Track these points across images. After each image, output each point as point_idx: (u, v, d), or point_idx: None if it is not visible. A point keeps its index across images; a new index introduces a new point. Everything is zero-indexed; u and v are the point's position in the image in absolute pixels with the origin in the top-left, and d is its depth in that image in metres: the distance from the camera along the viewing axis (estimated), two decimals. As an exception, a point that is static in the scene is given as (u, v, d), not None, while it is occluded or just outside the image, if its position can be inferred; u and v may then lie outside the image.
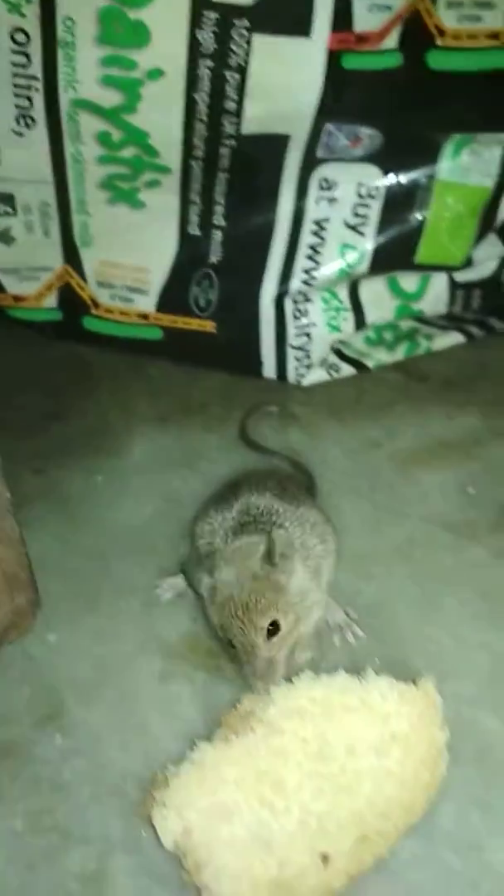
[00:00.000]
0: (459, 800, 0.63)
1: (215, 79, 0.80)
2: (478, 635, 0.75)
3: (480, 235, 0.93)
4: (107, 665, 0.74)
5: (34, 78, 0.83)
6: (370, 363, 1.04)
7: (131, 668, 0.74)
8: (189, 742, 0.67)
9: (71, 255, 0.97)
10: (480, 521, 0.86)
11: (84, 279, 0.98)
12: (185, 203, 0.91)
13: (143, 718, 0.70)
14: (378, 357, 1.04)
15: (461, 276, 1.00)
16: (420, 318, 1.06)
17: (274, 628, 0.66)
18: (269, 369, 1.01)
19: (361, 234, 0.92)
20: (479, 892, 0.59)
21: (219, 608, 0.67)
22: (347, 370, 1.04)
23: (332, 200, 0.90)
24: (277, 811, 0.58)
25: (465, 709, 0.66)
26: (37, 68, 0.82)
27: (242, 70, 0.79)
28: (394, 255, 0.94)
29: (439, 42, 0.82)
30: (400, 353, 1.05)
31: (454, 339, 1.07)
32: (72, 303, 1.00)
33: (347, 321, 0.98)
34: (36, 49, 0.80)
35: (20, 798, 0.65)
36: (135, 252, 0.95)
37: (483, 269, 1.00)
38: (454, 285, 1.00)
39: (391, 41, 0.81)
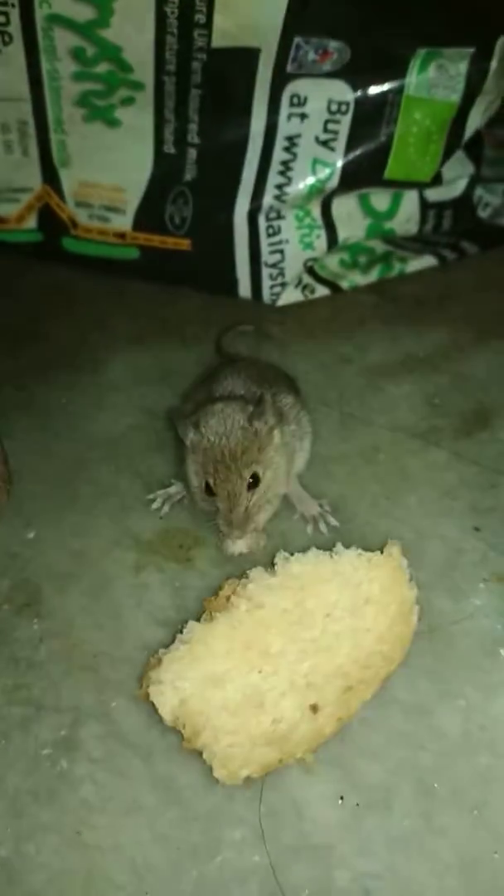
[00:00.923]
0: (411, 670, 0.67)
1: (184, -9, 0.81)
2: (436, 529, 0.78)
3: (448, 151, 0.95)
4: (83, 558, 0.78)
5: (9, -7, 0.84)
6: (345, 284, 1.06)
7: (106, 561, 0.77)
8: (159, 625, 0.71)
9: (50, 174, 0.99)
10: (445, 428, 0.89)
11: (63, 199, 1.00)
12: (159, 121, 0.93)
13: (116, 604, 0.74)
14: (352, 278, 1.07)
15: (432, 196, 1.02)
16: (394, 241, 1.08)
17: (254, 480, 0.70)
18: (244, 288, 1.03)
19: (332, 149, 0.94)
20: (427, 751, 0.63)
21: (203, 454, 0.71)
22: (322, 291, 1.06)
23: (303, 116, 0.92)
24: (266, 674, 0.62)
25: (421, 593, 0.70)
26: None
27: (211, -19, 0.81)
28: (364, 171, 0.95)
29: (404, -47, 0.83)
30: (374, 275, 1.08)
31: (427, 261, 1.09)
32: (51, 223, 1.02)
33: (320, 238, 1.00)
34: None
35: (-3, 676, 0.69)
36: (111, 171, 0.97)
37: (453, 188, 1.03)
38: (425, 205, 1.02)
39: (356, -46, 0.83)
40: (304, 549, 0.71)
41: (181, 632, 0.66)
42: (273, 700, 0.61)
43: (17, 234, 1.04)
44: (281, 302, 1.04)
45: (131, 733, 0.65)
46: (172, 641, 0.66)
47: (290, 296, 1.04)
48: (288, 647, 0.63)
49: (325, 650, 0.63)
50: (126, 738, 0.65)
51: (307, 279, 1.05)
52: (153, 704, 0.63)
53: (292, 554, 0.70)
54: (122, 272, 1.04)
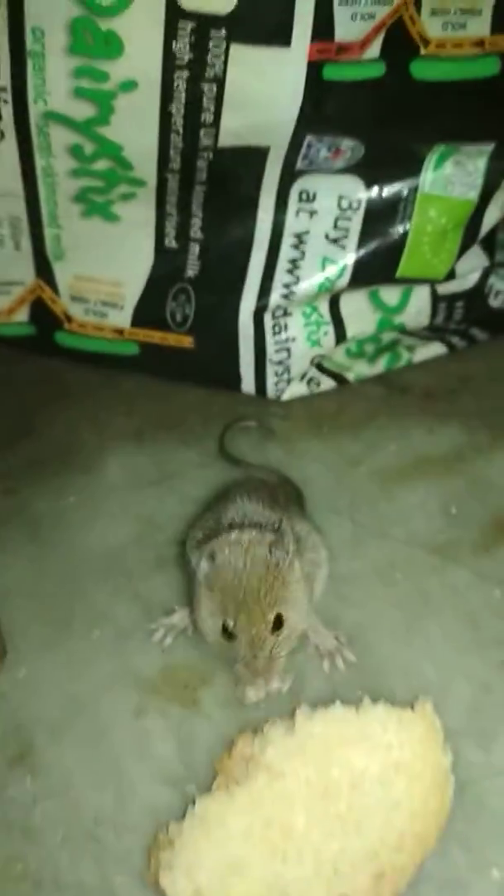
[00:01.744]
0: (441, 840, 0.61)
1: (191, 90, 0.77)
2: (461, 663, 0.73)
3: (464, 248, 0.91)
4: (78, 701, 0.72)
5: (2, 90, 0.79)
6: (351, 376, 1.02)
7: (104, 703, 0.71)
8: (165, 783, 0.65)
9: (43, 268, 0.94)
10: (463, 541, 0.84)
11: (57, 293, 0.95)
12: (160, 216, 0.88)
13: (117, 757, 0.68)
14: (359, 370, 1.02)
15: (443, 289, 0.98)
16: (402, 330, 1.04)
17: (278, 622, 0.64)
18: (248, 384, 0.98)
19: (342, 247, 0.89)
20: (464, 938, 0.57)
21: (220, 592, 0.65)
22: (328, 383, 1.02)
23: (312, 213, 0.87)
24: (290, 859, 0.56)
25: (449, 741, 0.64)
26: (5, 80, 0.78)
27: (220, 81, 0.76)
28: (375, 269, 0.91)
29: (423, 51, 0.79)
30: (381, 366, 1.03)
31: (436, 349, 1.05)
32: (44, 317, 0.98)
33: (328, 335, 0.95)
34: (4, 60, 0.77)
35: (-10, 844, 0.62)
36: (109, 266, 0.92)
37: (466, 281, 0.98)
38: (436, 298, 0.98)
39: (374, 50, 0.79)
40: (321, 690, 0.66)
41: (192, 801, 0.60)
42: (298, 890, 0.55)
43: (9, 327, 0.99)
44: (286, 397, 0.99)
45: (137, 918, 0.59)
46: (181, 805, 0.61)
47: (296, 390, 1.00)
48: (313, 825, 0.57)
49: (353, 829, 0.57)
50: (132, 924, 0.59)
51: (313, 372, 1.00)
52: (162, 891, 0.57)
53: (312, 702, 0.64)
54: (120, 367, 0.99)
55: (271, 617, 0.64)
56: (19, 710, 0.71)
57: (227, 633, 0.65)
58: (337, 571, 0.80)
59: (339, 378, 1.02)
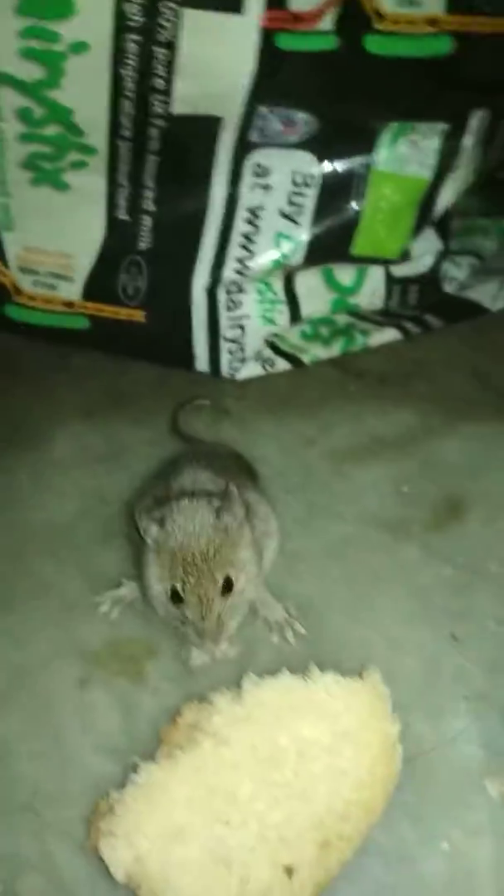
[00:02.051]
0: (390, 808, 0.60)
1: (143, 54, 0.75)
2: (410, 636, 0.72)
3: (418, 228, 0.91)
4: (21, 671, 0.70)
5: None
6: (306, 358, 1.01)
7: (46, 675, 0.70)
8: (108, 755, 0.64)
9: (-9, 238, 0.92)
10: (415, 519, 0.84)
11: (6, 265, 0.92)
12: (112, 186, 0.86)
13: (58, 729, 0.66)
14: (314, 352, 1.02)
15: (398, 271, 0.97)
16: (356, 314, 1.03)
17: (227, 584, 0.63)
18: (201, 362, 0.97)
19: (297, 223, 0.88)
20: (410, 907, 0.56)
21: (169, 556, 0.64)
22: (283, 365, 1.00)
23: (266, 188, 0.86)
24: (234, 826, 0.55)
25: (397, 714, 0.64)
26: (-50, 40, 0.76)
27: (172, 46, 0.75)
28: (330, 247, 0.90)
29: (378, 26, 0.79)
30: (336, 349, 1.02)
31: (391, 335, 1.04)
32: (-7, 289, 0.95)
33: (282, 314, 0.94)
34: None
35: None
36: (59, 237, 0.90)
37: (420, 264, 0.98)
38: (391, 280, 0.98)
39: (328, 23, 0.78)
40: (271, 663, 0.64)
41: (135, 769, 0.59)
42: (241, 858, 0.54)
43: (-45, 299, 0.96)
44: (240, 376, 0.98)
45: (78, 887, 0.57)
46: (124, 778, 0.59)
47: (250, 370, 0.98)
48: (258, 793, 0.56)
49: (298, 796, 0.56)
50: (73, 894, 0.57)
51: (267, 353, 0.99)
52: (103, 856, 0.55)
53: (260, 673, 0.63)
54: (72, 342, 0.97)
55: (220, 578, 0.63)
56: (-42, 681, 0.69)
57: (176, 597, 0.63)
58: (289, 548, 0.80)
59: (294, 360, 1.01)
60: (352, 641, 0.72)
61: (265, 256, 0.90)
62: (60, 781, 0.62)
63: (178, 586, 0.63)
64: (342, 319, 1.03)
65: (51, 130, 0.82)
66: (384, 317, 1.04)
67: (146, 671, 0.70)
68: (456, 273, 1.05)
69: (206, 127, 0.82)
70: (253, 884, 0.54)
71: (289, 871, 0.54)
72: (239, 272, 0.90)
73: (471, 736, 0.65)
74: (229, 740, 0.58)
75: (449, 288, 1.04)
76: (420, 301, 1.02)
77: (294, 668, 0.65)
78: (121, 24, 0.74)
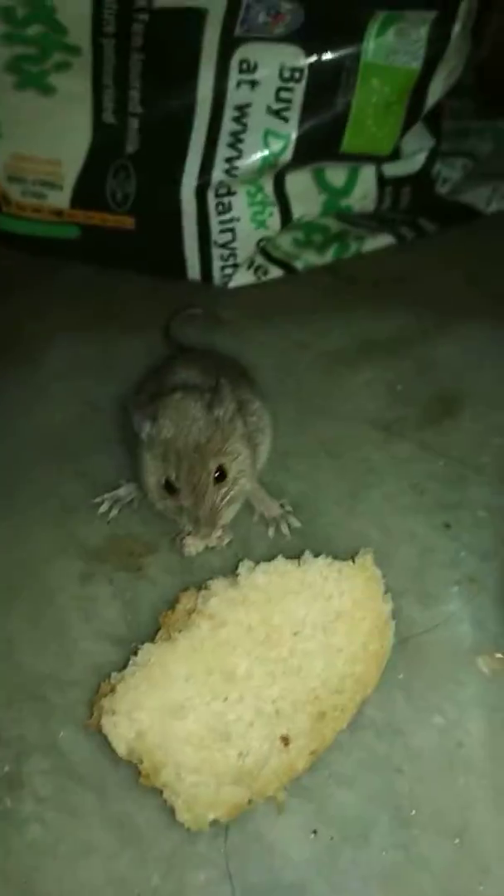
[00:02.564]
0: (384, 685, 0.62)
1: None
2: (404, 526, 0.74)
3: (408, 122, 0.89)
4: (23, 569, 0.71)
5: None
6: (299, 265, 1.01)
7: (49, 571, 0.71)
8: (110, 643, 0.65)
9: (-23, 147, 0.91)
10: (409, 417, 0.84)
11: (-7, 174, 0.92)
12: (98, 88, 0.85)
13: (62, 620, 0.68)
14: (307, 259, 1.01)
15: (390, 171, 0.96)
16: (349, 219, 1.02)
17: (220, 474, 0.65)
18: (193, 270, 0.96)
19: (285, 119, 0.87)
20: (403, 775, 0.58)
21: (162, 448, 0.65)
22: (275, 272, 1.00)
23: (253, 84, 0.85)
24: (231, 701, 0.57)
25: (391, 600, 0.65)
26: None
27: None
28: (319, 143, 0.89)
29: None
30: (329, 255, 1.02)
31: (385, 240, 1.04)
32: (-19, 200, 0.94)
33: (273, 216, 0.94)
34: None
35: None
36: (47, 143, 0.89)
37: (412, 163, 0.97)
38: (383, 181, 0.97)
39: None
40: (267, 557, 0.66)
41: (135, 652, 0.60)
42: (239, 731, 0.56)
43: None
44: (233, 284, 0.98)
45: (81, 766, 0.59)
46: (125, 663, 0.61)
47: (243, 278, 0.98)
48: (254, 670, 0.58)
49: (294, 672, 0.58)
50: (76, 773, 0.59)
51: (260, 260, 0.98)
52: (106, 735, 0.57)
53: (256, 563, 0.65)
54: (62, 253, 0.96)
55: (213, 467, 0.64)
56: (-39, 578, 0.70)
57: (171, 487, 0.65)
58: (283, 447, 0.80)
59: (287, 267, 1.00)
60: (346, 532, 0.73)
61: (254, 155, 0.89)
62: (64, 669, 0.64)
63: (172, 476, 0.64)
64: (335, 226, 1.02)
65: (34, 30, 0.81)
66: (378, 222, 1.03)
67: (145, 565, 0.71)
68: (450, 174, 1.03)
69: (191, 21, 0.81)
70: (251, 756, 0.56)
71: (285, 740, 0.56)
72: (228, 172, 0.90)
73: (462, 617, 0.67)
74: (226, 621, 0.60)
75: (443, 190, 1.03)
76: (413, 203, 1.01)
77: (289, 557, 0.66)
78: None
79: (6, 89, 0.85)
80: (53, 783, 0.58)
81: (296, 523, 0.73)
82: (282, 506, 0.74)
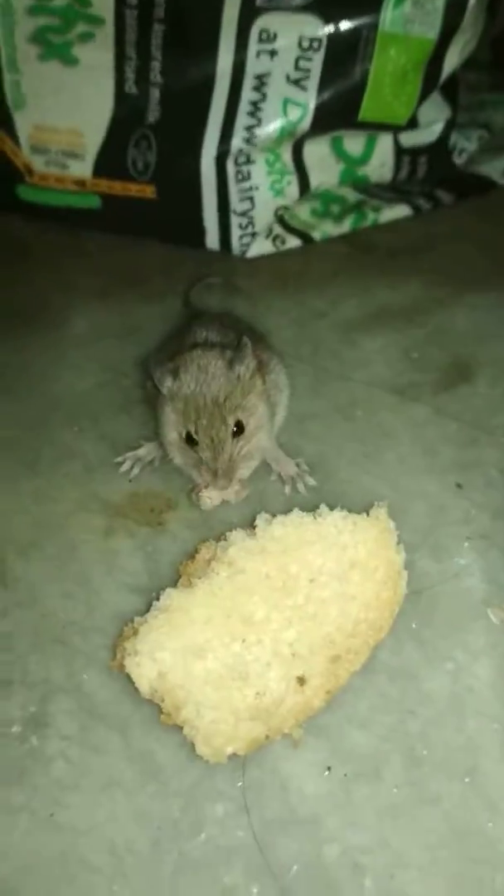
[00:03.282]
0: (397, 634, 0.64)
1: None
2: (417, 485, 0.75)
3: (425, 92, 0.91)
4: (47, 523, 0.74)
5: None
6: (316, 235, 1.02)
7: (72, 526, 0.73)
8: (132, 592, 0.68)
9: (3, 118, 0.92)
10: (424, 382, 0.86)
11: (18, 144, 0.94)
12: (120, 58, 0.87)
13: (85, 571, 0.70)
14: (324, 228, 1.03)
15: (407, 140, 0.98)
16: (367, 190, 1.03)
17: (238, 428, 0.67)
18: (212, 238, 0.98)
19: (304, 88, 0.89)
20: (416, 717, 0.60)
21: (183, 403, 0.68)
22: (293, 242, 1.02)
23: (272, 53, 0.87)
24: (250, 644, 0.59)
25: (404, 552, 0.67)
26: None
27: None
28: (337, 112, 0.91)
29: None
30: (346, 225, 1.04)
31: (402, 211, 1.05)
32: (5, 171, 0.96)
33: (291, 185, 0.95)
34: None
35: (-40, 648, 0.65)
36: (70, 113, 0.91)
37: (428, 133, 0.98)
38: (400, 150, 0.98)
39: None
40: (283, 512, 0.68)
41: (157, 599, 0.63)
42: (257, 671, 0.58)
43: (-31, 182, 0.97)
44: (251, 253, 1.00)
45: (104, 707, 0.61)
46: (146, 610, 0.63)
47: (261, 247, 1.00)
48: (272, 615, 0.60)
49: (310, 618, 0.60)
50: (99, 713, 0.61)
51: (278, 229, 1.00)
52: (128, 676, 0.59)
53: (274, 516, 0.67)
54: (84, 222, 0.98)
55: (231, 421, 0.66)
56: (-12, 532, 0.73)
57: (190, 440, 0.67)
58: (299, 410, 0.82)
59: (304, 237, 1.02)
60: (360, 490, 0.75)
61: (273, 124, 0.91)
62: (88, 615, 0.67)
63: (192, 428, 0.66)
64: (353, 197, 1.04)
65: (58, 1, 0.82)
66: (395, 192, 1.05)
67: (166, 520, 0.73)
68: (466, 144, 1.05)
69: (212, -9, 0.82)
70: (268, 695, 0.58)
71: (301, 680, 0.58)
72: (247, 141, 0.91)
73: (473, 571, 0.69)
74: (244, 569, 0.62)
75: (459, 160, 1.04)
76: (429, 174, 1.03)
77: (305, 511, 0.68)
78: None
79: (30, 60, 0.87)
80: (78, 722, 0.60)
81: (311, 482, 0.75)
82: (298, 465, 0.76)
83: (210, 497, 0.70)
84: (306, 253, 1.03)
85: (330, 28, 0.86)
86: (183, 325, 0.84)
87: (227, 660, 0.59)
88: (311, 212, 1.02)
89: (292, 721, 0.57)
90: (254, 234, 0.98)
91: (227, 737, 0.56)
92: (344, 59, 0.88)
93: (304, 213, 1.01)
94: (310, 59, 0.87)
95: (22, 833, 0.55)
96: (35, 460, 0.80)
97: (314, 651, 0.59)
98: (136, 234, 1.00)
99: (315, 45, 0.86)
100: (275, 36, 0.86)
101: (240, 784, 0.57)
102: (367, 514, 0.66)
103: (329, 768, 0.58)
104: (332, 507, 0.68)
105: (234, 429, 0.66)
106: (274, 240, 1.00)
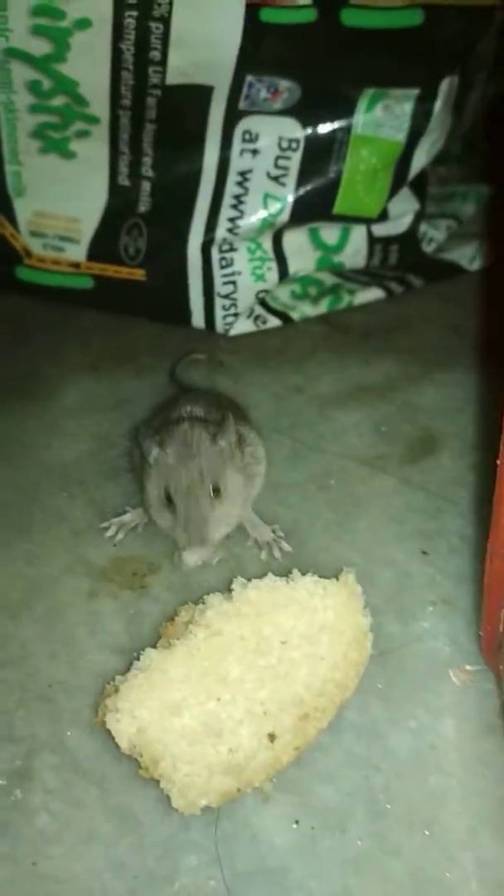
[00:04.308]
0: (363, 693, 0.68)
1: (140, 29, 0.83)
2: (385, 552, 0.80)
3: (394, 188, 0.98)
4: (36, 586, 0.78)
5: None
6: (295, 315, 1.09)
7: (59, 588, 0.78)
8: (114, 652, 0.72)
9: (4, 205, 1.00)
10: (392, 455, 0.91)
11: (17, 229, 1.01)
12: (114, 154, 0.94)
13: (71, 632, 0.74)
14: (302, 310, 1.09)
15: (379, 231, 1.05)
16: (342, 274, 1.10)
17: (216, 491, 0.72)
18: (197, 318, 1.05)
19: (283, 184, 0.96)
20: (380, 773, 0.64)
21: (165, 471, 0.73)
22: (273, 322, 1.08)
23: (255, 152, 0.94)
24: (224, 702, 0.63)
25: (371, 617, 0.71)
26: (-34, 19, 0.84)
27: (166, 21, 0.83)
28: (313, 206, 0.98)
29: (353, 0, 0.87)
30: (323, 307, 1.10)
31: (375, 294, 1.12)
32: (4, 253, 1.03)
33: (272, 271, 1.02)
34: (-34, -1, 0.83)
35: None
36: (67, 202, 0.98)
37: (399, 224, 1.06)
38: (372, 239, 1.05)
39: (306, -2, 0.86)
40: (259, 576, 0.72)
41: (137, 659, 0.66)
42: (230, 728, 0.62)
43: (-30, 262, 1.04)
44: (233, 332, 1.06)
45: (86, 762, 0.65)
46: (128, 669, 0.67)
47: (243, 326, 1.06)
48: (245, 675, 0.64)
49: (281, 678, 0.64)
50: (81, 768, 0.65)
51: (259, 310, 1.07)
52: (109, 732, 0.63)
53: (249, 580, 0.71)
54: (77, 301, 1.05)
55: (208, 483, 0.72)
56: (-20, 594, 0.77)
57: (170, 501, 0.72)
58: (277, 480, 0.87)
59: (284, 317, 1.09)
60: (333, 557, 0.79)
61: (255, 216, 0.98)
62: (72, 674, 0.70)
63: (171, 489, 0.72)
64: (329, 280, 1.11)
65: (58, 101, 0.89)
66: (369, 277, 1.12)
67: (148, 584, 0.78)
68: (435, 234, 1.12)
69: (199, 95, 0.90)
70: (241, 750, 0.61)
71: (272, 737, 0.62)
72: (231, 230, 0.98)
73: (437, 634, 0.73)
74: (221, 631, 0.66)
75: (428, 248, 1.12)
76: (401, 260, 1.10)
77: (279, 575, 0.73)
78: (120, 2, 0.82)
79: (31, 153, 0.94)
80: (60, 777, 0.64)
81: (286, 548, 0.80)
82: (274, 531, 0.81)
83: (190, 557, 0.75)
84: (285, 332, 1.09)
85: (308, 130, 0.94)
86: (170, 399, 0.89)
87: (203, 717, 0.62)
88: (291, 294, 1.08)
89: (263, 776, 0.61)
90: (236, 315, 1.04)
91: (201, 790, 0.59)
92: (320, 158, 0.95)
93: (283, 295, 1.08)
94: (288, 158, 0.95)
95: (5, 882, 0.58)
96: (27, 524, 0.84)
97: (284, 709, 0.63)
98: (126, 312, 1.06)
99: (293, 145, 0.94)
100: (257, 136, 0.93)
101: (213, 836, 0.60)
102: (337, 579, 0.71)
103: (297, 821, 0.61)
104: (304, 572, 0.72)
105: (212, 493, 0.72)
106: (255, 319, 1.07)
